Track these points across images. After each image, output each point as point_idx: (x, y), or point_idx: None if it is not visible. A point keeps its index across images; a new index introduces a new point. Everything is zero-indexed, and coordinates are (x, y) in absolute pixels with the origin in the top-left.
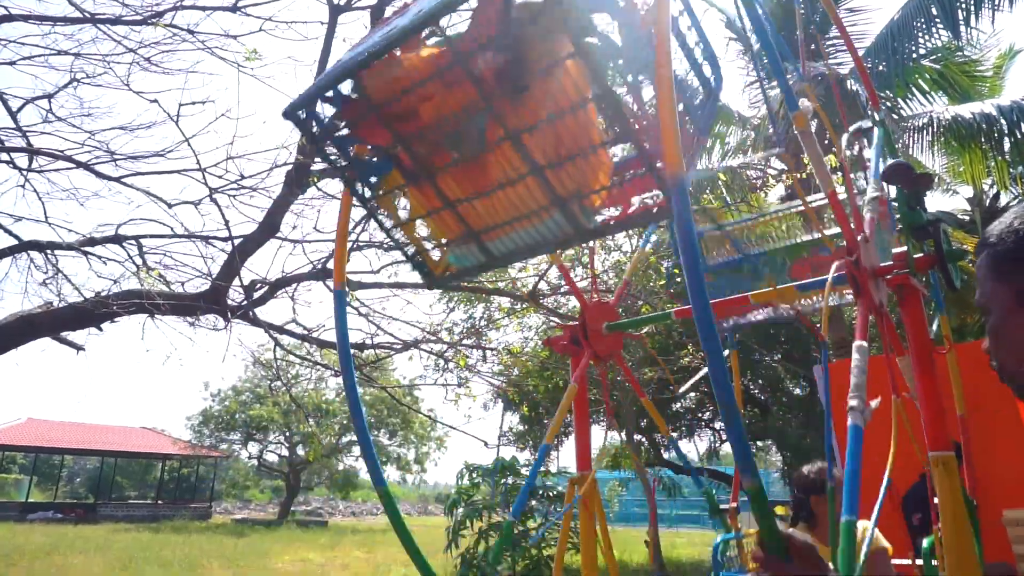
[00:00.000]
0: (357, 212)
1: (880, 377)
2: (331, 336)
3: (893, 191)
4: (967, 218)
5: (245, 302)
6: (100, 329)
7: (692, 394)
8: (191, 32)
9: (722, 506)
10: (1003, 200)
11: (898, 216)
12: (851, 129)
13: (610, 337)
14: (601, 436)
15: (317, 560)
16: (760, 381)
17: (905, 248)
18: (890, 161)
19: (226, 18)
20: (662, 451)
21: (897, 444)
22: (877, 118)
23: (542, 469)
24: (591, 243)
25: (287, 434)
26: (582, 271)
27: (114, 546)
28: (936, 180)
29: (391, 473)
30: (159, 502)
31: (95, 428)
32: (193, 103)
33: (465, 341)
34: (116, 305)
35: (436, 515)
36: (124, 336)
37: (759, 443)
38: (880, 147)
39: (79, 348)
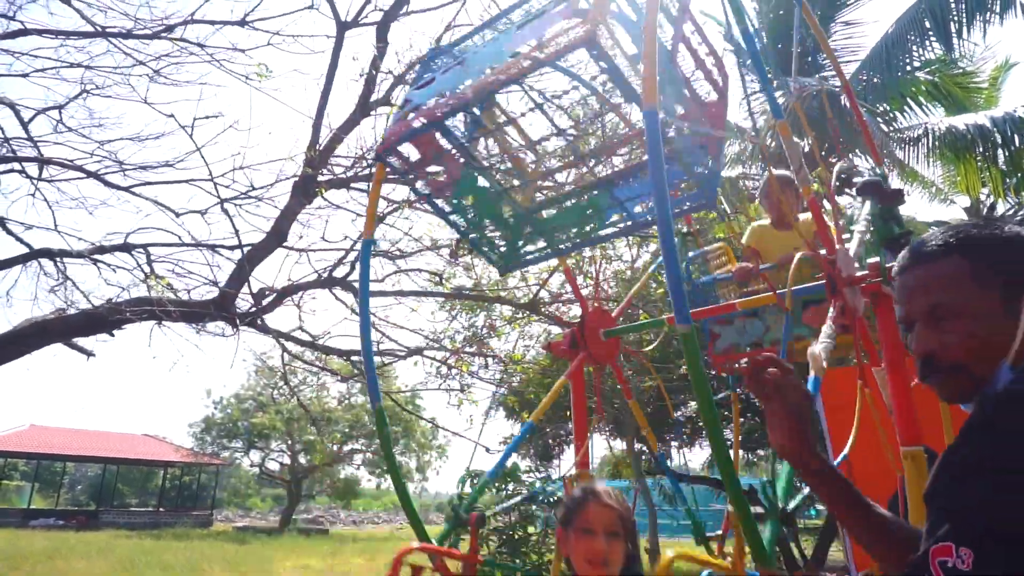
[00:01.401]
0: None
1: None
2: (335, 343)
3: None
4: None
5: (253, 309)
6: (112, 335)
7: (693, 403)
8: (201, 46)
9: (708, 534)
10: (999, 210)
11: (872, 230)
12: (842, 168)
13: (607, 343)
14: (602, 446)
15: (318, 567)
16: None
17: (877, 259)
18: (865, 177)
19: (234, 32)
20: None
21: (870, 433)
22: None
23: (543, 475)
24: (593, 251)
25: (289, 442)
26: (582, 279)
27: (116, 551)
28: (934, 190)
29: (392, 482)
30: (160, 509)
31: (97, 435)
32: (207, 117)
33: (467, 349)
34: (129, 311)
35: (437, 523)
36: (127, 343)
37: (760, 452)
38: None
39: (89, 354)
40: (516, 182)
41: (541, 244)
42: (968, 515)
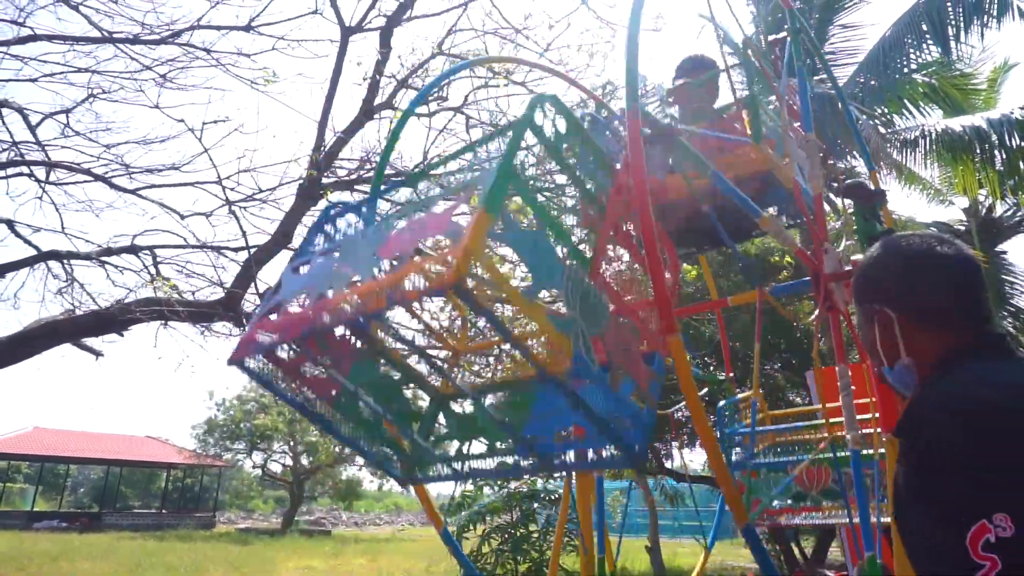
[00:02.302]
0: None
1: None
2: None
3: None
4: (963, 228)
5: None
6: (121, 335)
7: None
8: (207, 51)
9: None
10: (998, 210)
11: (855, 229)
12: (770, 39)
13: None
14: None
15: (321, 567)
16: (760, 390)
17: (862, 256)
18: (848, 180)
19: (240, 37)
20: (663, 460)
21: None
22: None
23: (542, 476)
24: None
25: (291, 443)
26: None
27: (120, 553)
28: (932, 192)
29: (394, 484)
30: (163, 511)
31: (100, 437)
32: (215, 121)
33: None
34: (138, 311)
35: None
36: (130, 345)
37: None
38: (794, 45)
39: (98, 354)
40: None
41: (450, 457)
42: (978, 492)
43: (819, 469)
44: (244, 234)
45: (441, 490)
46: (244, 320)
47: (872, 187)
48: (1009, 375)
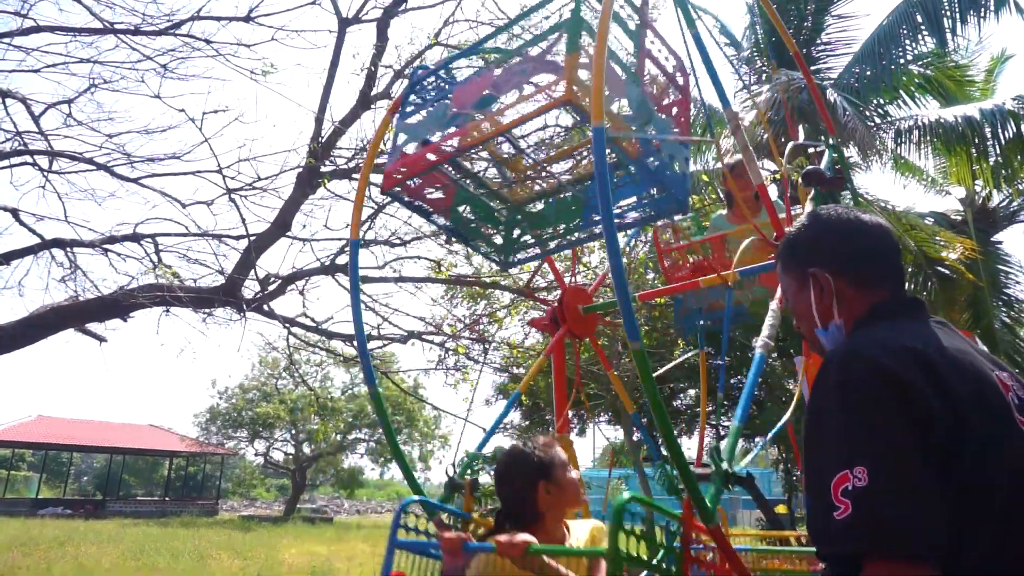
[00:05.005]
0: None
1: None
2: (339, 328)
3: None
4: (959, 218)
5: (259, 295)
6: (124, 320)
7: (692, 391)
8: (207, 42)
9: None
10: (995, 200)
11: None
12: (794, 145)
13: (586, 319)
14: (602, 436)
15: (323, 553)
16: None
17: None
18: (808, 167)
19: (239, 28)
20: (662, 449)
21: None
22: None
23: None
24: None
25: (293, 431)
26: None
27: (125, 538)
28: (929, 182)
29: (395, 472)
30: (166, 499)
31: (104, 425)
32: (215, 111)
33: (466, 334)
34: (141, 297)
35: None
36: (133, 334)
37: (756, 439)
38: (828, 167)
39: (102, 339)
40: (503, 177)
41: (532, 242)
42: (848, 443)
43: None
44: (244, 222)
45: (442, 478)
46: (244, 305)
47: (829, 174)
48: (902, 337)
